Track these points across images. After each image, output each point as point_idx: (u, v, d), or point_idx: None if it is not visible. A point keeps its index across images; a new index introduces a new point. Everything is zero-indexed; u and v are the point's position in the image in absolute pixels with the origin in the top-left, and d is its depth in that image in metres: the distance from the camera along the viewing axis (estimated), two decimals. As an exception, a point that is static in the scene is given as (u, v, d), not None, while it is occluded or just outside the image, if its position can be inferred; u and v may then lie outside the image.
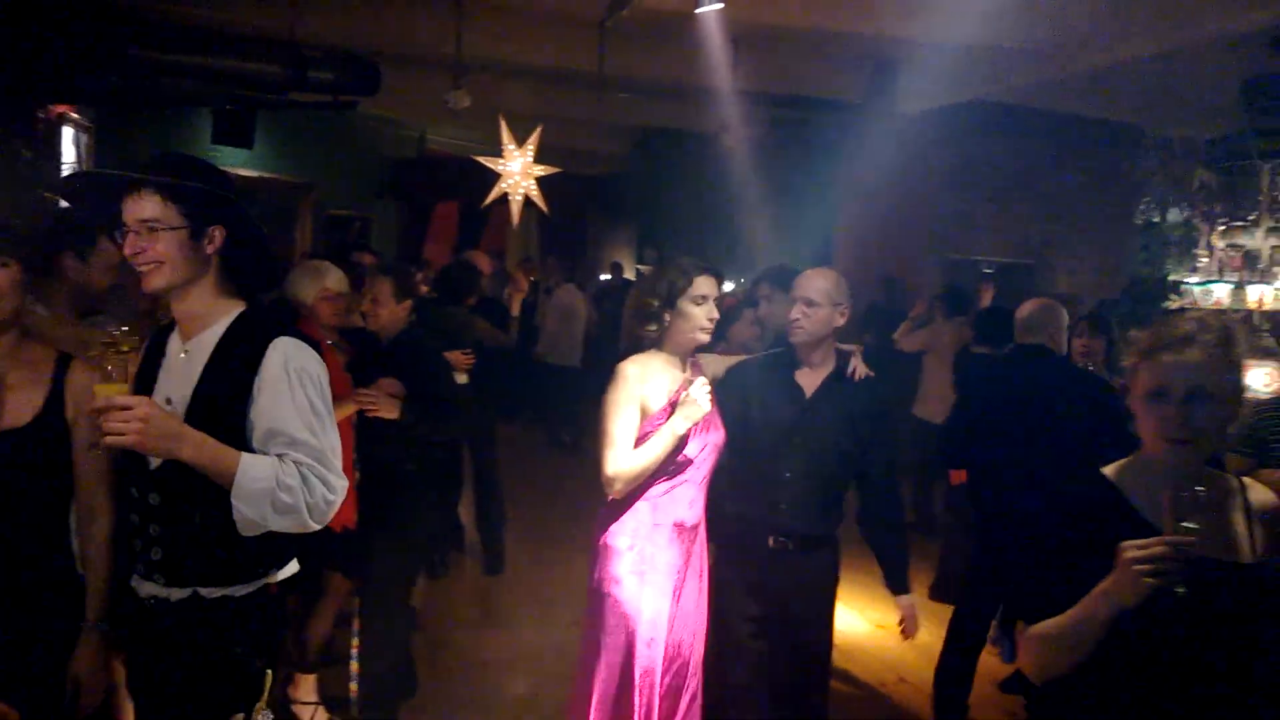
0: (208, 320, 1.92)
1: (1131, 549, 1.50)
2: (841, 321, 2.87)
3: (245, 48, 7.17)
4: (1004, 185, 9.66)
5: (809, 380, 2.90)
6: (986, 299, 8.08)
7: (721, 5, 5.60)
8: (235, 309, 1.95)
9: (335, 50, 7.41)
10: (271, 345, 1.88)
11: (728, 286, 8.77)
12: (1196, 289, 4.27)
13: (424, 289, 5.79)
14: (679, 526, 2.71)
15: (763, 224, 9.22)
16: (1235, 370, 1.64)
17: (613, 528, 2.70)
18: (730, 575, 2.88)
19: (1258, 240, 4.27)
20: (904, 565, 2.97)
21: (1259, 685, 1.61)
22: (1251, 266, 4.33)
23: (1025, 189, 9.68)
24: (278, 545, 1.94)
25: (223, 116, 8.39)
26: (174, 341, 1.96)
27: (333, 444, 1.92)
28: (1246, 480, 1.77)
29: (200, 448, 1.77)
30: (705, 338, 2.77)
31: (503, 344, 5.67)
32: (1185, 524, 1.49)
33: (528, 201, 8.60)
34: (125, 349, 1.76)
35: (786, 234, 9.11)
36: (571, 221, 12.71)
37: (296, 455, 1.84)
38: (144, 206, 1.83)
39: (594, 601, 2.70)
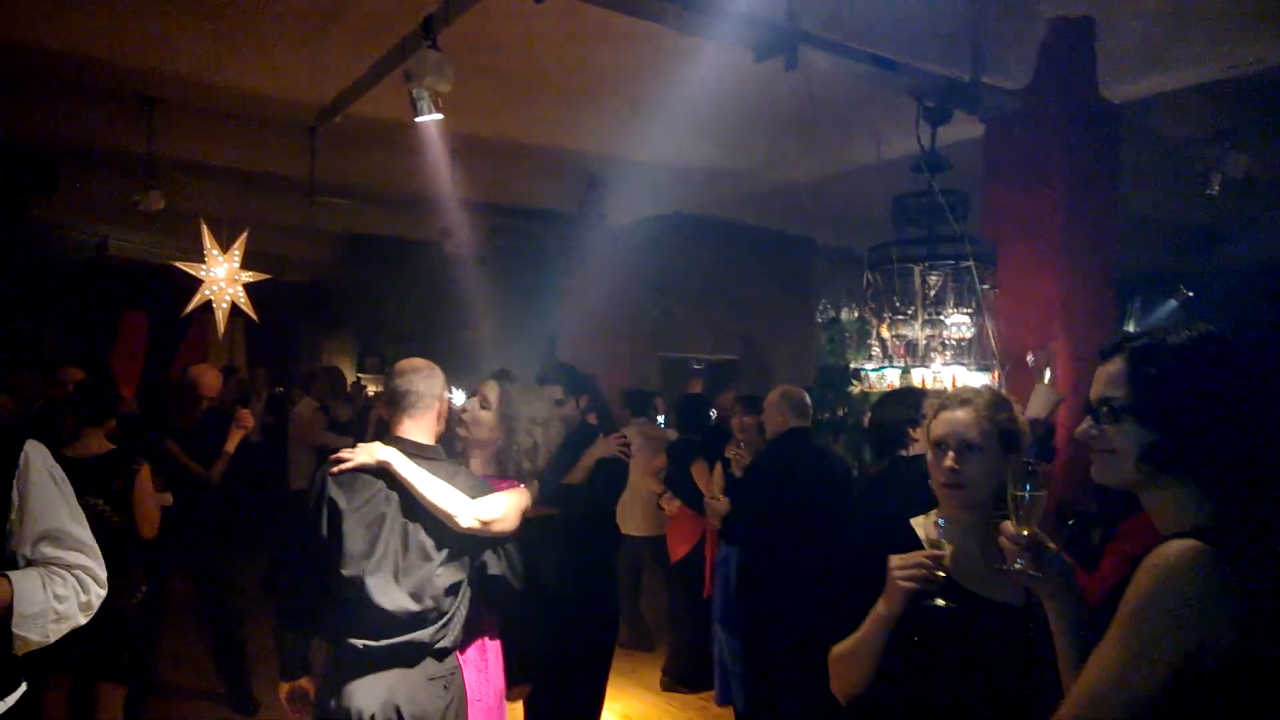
0: None
1: (894, 560, 1.75)
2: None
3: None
4: (704, 288, 10.56)
5: None
6: (695, 390, 8.71)
7: (440, 117, 5.73)
8: None
9: (4, 145, 6.69)
10: (25, 450, 1.80)
11: (458, 397, 8.72)
12: (873, 374, 4.85)
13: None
14: None
15: (486, 329, 9.34)
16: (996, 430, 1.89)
17: None
18: None
19: (916, 331, 4.93)
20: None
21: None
22: (913, 354, 4.97)
23: (722, 292, 10.64)
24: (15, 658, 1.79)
25: None
26: None
27: (93, 539, 1.87)
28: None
29: None
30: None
31: (198, 480, 4.73)
32: (936, 545, 1.75)
33: (235, 310, 8.09)
34: None
35: (510, 338, 9.29)
36: (284, 330, 12.07)
37: (71, 557, 1.77)
38: None
39: None
